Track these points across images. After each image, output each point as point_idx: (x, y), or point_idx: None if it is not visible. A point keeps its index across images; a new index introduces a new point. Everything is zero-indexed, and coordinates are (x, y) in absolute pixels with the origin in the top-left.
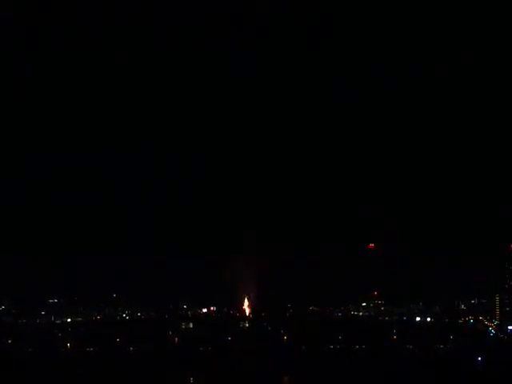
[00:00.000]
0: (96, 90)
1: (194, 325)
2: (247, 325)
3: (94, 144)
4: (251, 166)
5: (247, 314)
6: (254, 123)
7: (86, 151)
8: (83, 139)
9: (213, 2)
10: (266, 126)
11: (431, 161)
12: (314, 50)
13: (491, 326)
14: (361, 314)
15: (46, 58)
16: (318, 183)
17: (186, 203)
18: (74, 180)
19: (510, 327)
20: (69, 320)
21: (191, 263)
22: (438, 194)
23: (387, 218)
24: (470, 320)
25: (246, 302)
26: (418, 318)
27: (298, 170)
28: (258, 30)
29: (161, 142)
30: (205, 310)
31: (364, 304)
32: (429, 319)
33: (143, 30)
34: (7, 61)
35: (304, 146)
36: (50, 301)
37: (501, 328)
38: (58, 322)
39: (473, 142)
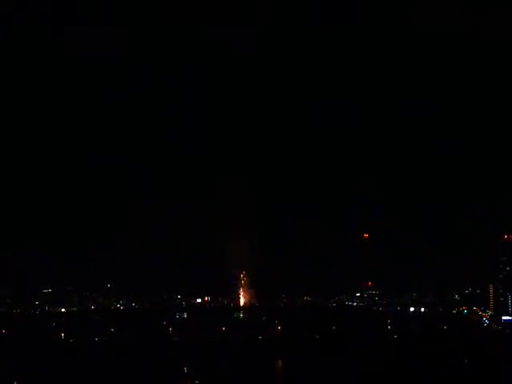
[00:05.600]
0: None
1: (187, 315)
2: (241, 315)
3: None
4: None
5: (241, 304)
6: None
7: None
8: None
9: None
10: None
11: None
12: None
13: (485, 317)
14: (355, 304)
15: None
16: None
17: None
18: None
19: (504, 317)
20: (63, 310)
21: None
22: (433, 185)
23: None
24: (463, 310)
25: (241, 292)
26: (411, 309)
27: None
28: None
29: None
30: (199, 300)
31: (358, 294)
32: (422, 309)
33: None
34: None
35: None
36: (44, 291)
37: (495, 318)
38: (52, 311)
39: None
